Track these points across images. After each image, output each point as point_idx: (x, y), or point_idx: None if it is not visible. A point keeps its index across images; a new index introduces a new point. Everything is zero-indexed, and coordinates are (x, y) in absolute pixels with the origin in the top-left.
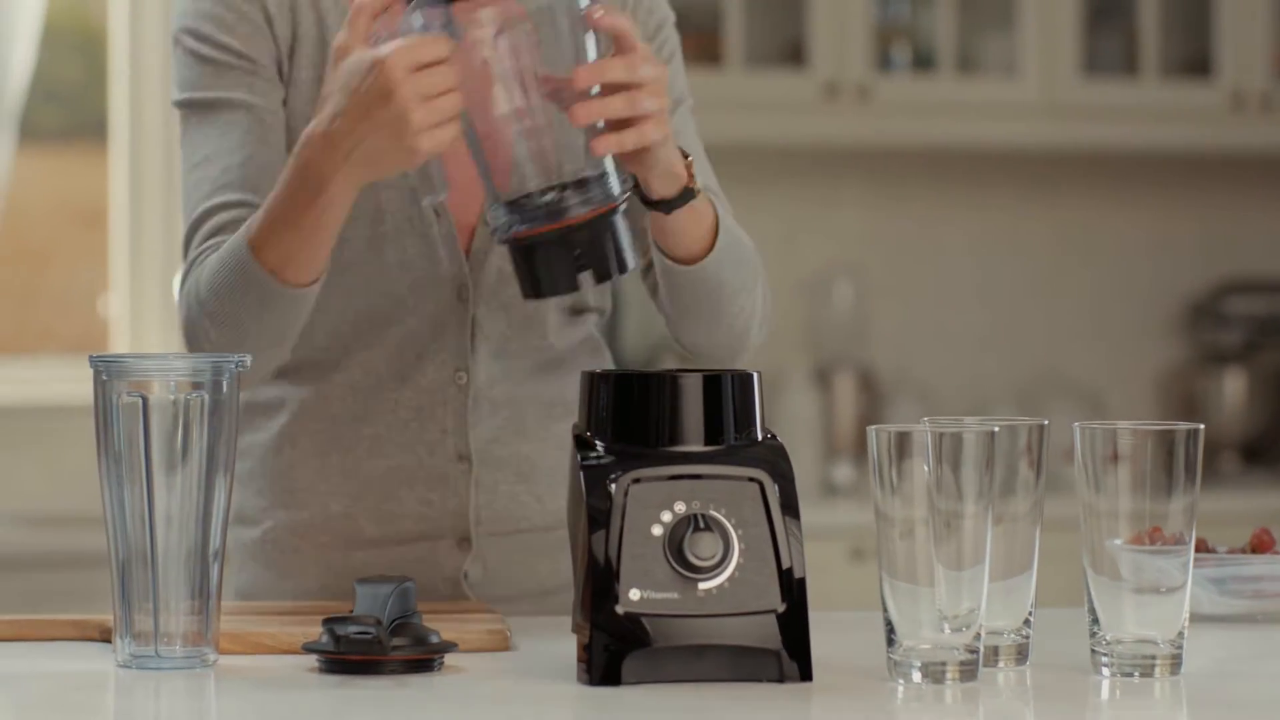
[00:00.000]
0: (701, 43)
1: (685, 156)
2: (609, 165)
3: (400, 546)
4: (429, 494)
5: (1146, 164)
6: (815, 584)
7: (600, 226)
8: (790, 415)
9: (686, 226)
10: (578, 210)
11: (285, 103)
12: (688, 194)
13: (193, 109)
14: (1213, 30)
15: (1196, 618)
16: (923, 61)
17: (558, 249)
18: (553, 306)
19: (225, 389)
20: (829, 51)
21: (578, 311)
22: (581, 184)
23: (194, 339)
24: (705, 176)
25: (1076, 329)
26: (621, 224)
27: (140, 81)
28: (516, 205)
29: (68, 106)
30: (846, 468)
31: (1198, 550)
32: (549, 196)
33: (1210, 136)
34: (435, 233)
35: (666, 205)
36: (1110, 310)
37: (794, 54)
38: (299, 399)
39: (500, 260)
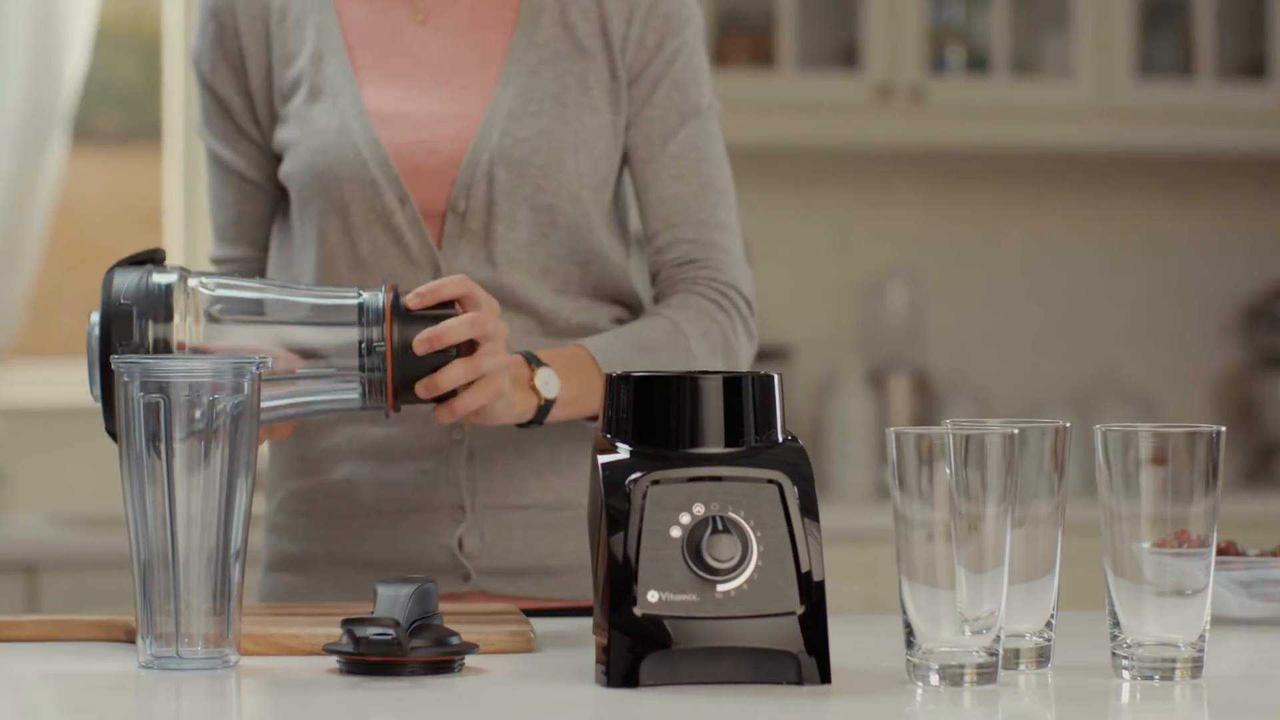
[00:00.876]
0: (755, 44)
1: (532, 364)
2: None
3: (400, 515)
4: (425, 463)
5: (1202, 166)
6: (867, 586)
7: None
8: (844, 418)
9: (569, 411)
10: (379, 344)
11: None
12: (544, 409)
13: (204, 145)
14: (1269, 31)
15: (1225, 621)
16: (977, 63)
17: None
18: (547, 290)
19: (246, 390)
20: (882, 53)
21: (600, 297)
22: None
23: None
24: (686, 214)
25: (1131, 331)
26: None
27: (194, 84)
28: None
29: (125, 108)
30: None
31: (1229, 553)
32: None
33: (1266, 138)
34: (399, 220)
35: (530, 425)
36: (1165, 312)
37: (847, 56)
38: None
39: (472, 246)
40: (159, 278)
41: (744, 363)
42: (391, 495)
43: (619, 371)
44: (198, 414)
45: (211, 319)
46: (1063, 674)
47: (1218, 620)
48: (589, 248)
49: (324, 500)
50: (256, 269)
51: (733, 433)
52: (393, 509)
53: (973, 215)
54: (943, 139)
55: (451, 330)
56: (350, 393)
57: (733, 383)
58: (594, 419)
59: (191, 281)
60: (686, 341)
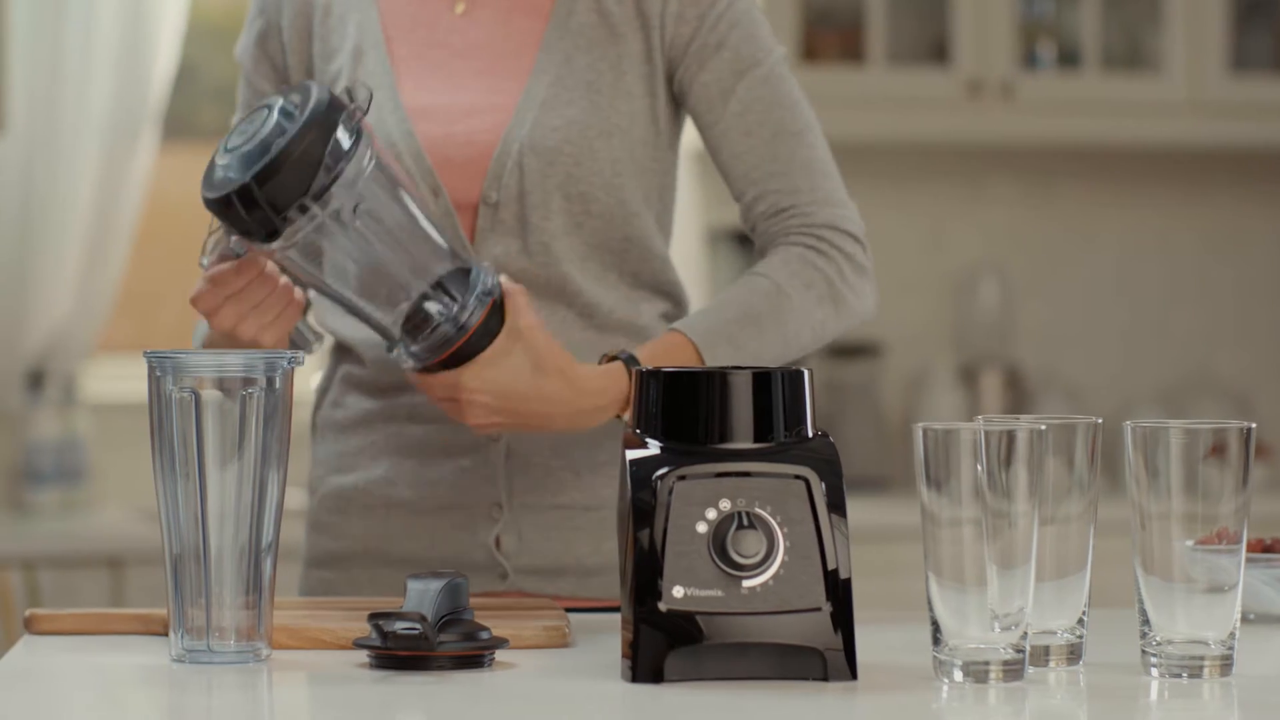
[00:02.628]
0: (845, 41)
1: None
2: (456, 248)
3: (438, 513)
4: (463, 462)
5: None
6: None
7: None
8: (935, 414)
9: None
10: (472, 318)
11: None
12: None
13: None
14: None
15: (1266, 619)
16: (1068, 59)
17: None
18: (588, 279)
19: (278, 384)
20: (972, 49)
21: (640, 286)
22: (449, 284)
23: None
24: (761, 167)
25: (1224, 329)
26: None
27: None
28: (416, 340)
29: (222, 104)
30: None
31: (1275, 551)
32: (438, 323)
33: None
34: (432, 213)
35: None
36: (1258, 310)
37: (937, 51)
38: (344, 372)
39: (505, 238)
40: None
41: (857, 303)
42: (430, 493)
43: (649, 367)
44: (230, 408)
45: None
46: (1092, 671)
47: (1261, 618)
48: (625, 235)
49: (362, 498)
50: None
51: (762, 428)
52: (430, 507)
53: (1064, 211)
54: (1034, 135)
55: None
56: (388, 316)
57: (762, 378)
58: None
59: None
60: (790, 300)
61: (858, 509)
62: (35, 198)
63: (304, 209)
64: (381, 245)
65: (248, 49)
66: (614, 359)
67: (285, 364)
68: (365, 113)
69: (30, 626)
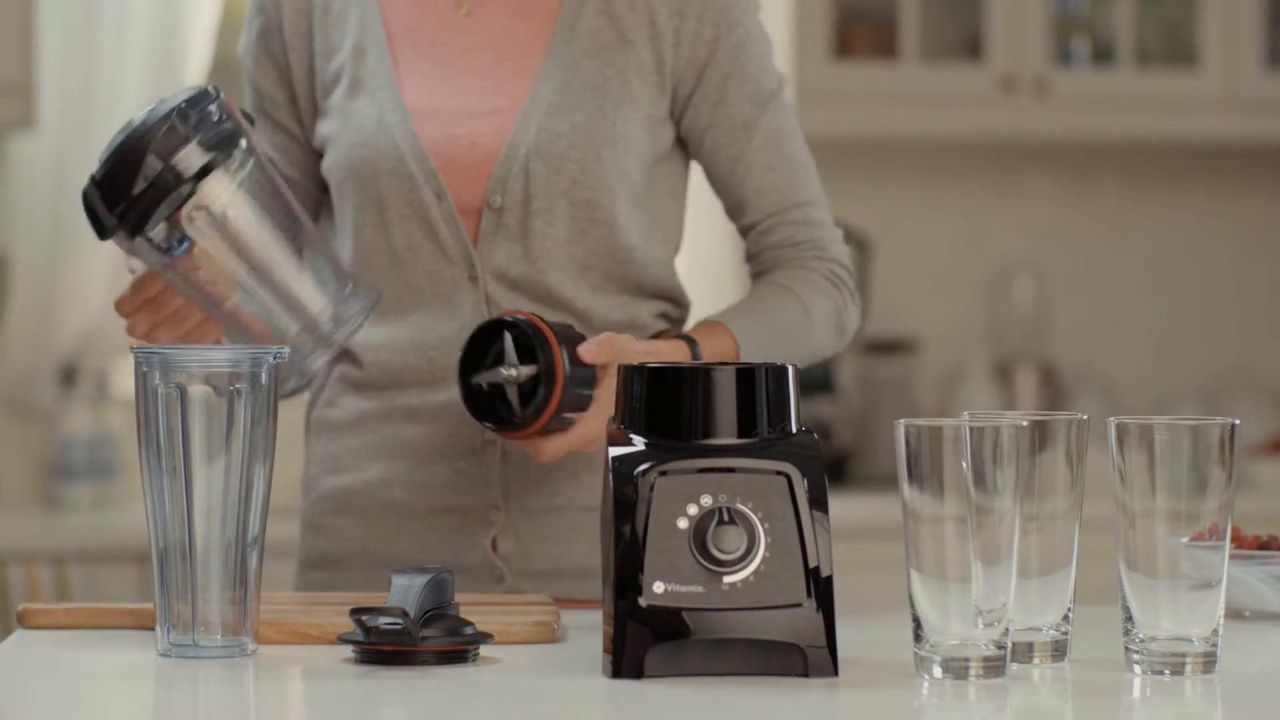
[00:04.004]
0: (878, 36)
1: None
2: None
3: (434, 515)
4: (460, 463)
5: None
6: None
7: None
8: (970, 410)
9: None
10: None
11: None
12: None
13: None
14: None
15: (1262, 616)
16: (1102, 55)
17: None
18: (585, 288)
19: (264, 380)
20: (1006, 45)
21: (641, 294)
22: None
23: None
24: (787, 192)
25: (1260, 324)
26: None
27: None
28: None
29: None
30: None
31: (1271, 548)
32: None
33: None
34: (434, 215)
35: None
36: None
37: (971, 48)
38: (339, 371)
39: (508, 242)
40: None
41: (851, 330)
42: (426, 496)
43: (633, 364)
44: (216, 404)
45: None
46: (1074, 668)
47: (1257, 615)
48: (628, 244)
49: (358, 500)
50: None
51: (746, 424)
52: (427, 509)
53: (1100, 208)
54: (1068, 131)
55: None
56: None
57: (745, 374)
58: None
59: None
60: (813, 323)
61: (892, 505)
62: (67, 194)
63: (129, 206)
64: (239, 262)
65: (249, 48)
66: (669, 335)
67: (272, 359)
68: (241, 121)
69: (23, 621)
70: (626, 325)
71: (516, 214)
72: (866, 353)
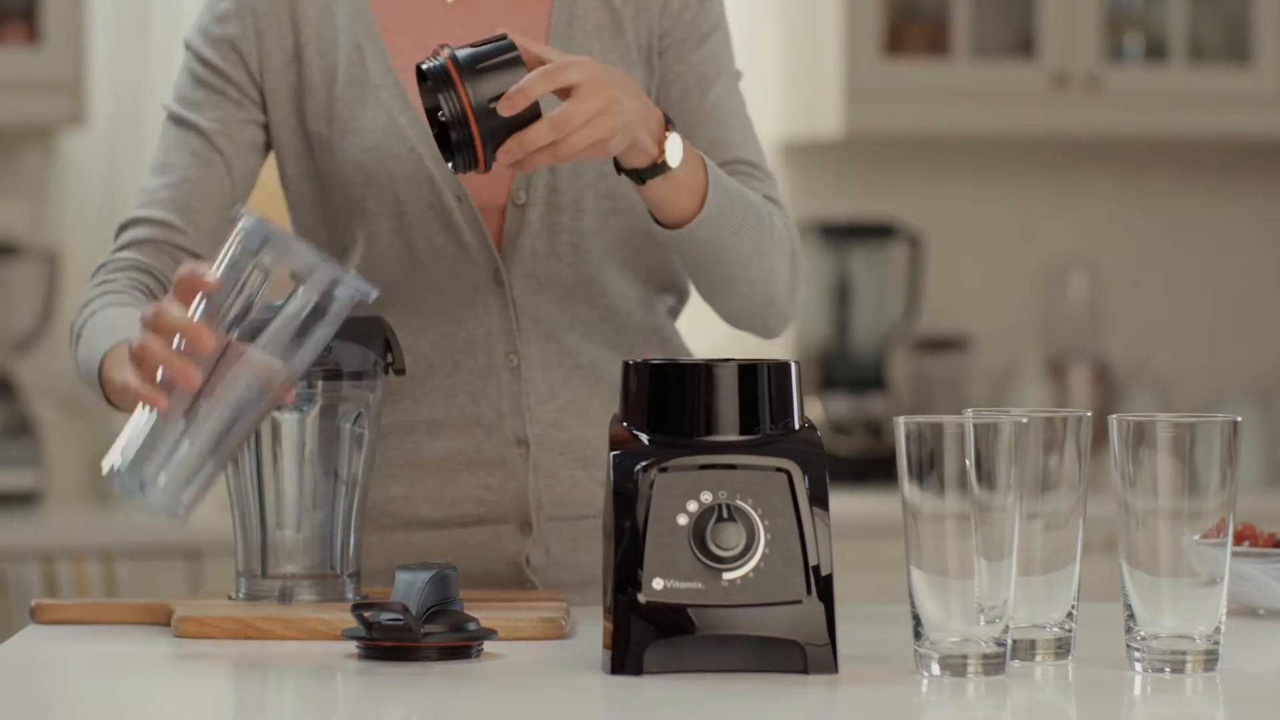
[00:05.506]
0: (930, 33)
1: (667, 126)
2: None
3: (462, 530)
4: (488, 478)
5: None
6: None
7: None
8: (1023, 407)
9: (665, 194)
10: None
11: (268, 120)
12: (657, 168)
13: (169, 119)
14: None
15: (1277, 614)
16: (1155, 51)
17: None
18: (612, 277)
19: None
20: (1058, 42)
21: (653, 285)
22: None
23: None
24: (740, 149)
25: None
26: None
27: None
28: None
29: None
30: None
31: (1274, 545)
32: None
33: None
34: (458, 219)
35: (637, 175)
36: None
37: (1023, 44)
38: None
39: (533, 240)
40: None
41: (799, 289)
42: (453, 511)
43: (634, 360)
44: None
45: None
46: (1077, 666)
47: (1271, 614)
48: (645, 229)
49: (381, 517)
50: (164, 239)
51: (748, 421)
52: (454, 524)
53: (1153, 205)
54: (1121, 128)
55: (532, 85)
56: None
57: (748, 370)
58: (675, 224)
59: None
60: (773, 226)
61: None
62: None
63: None
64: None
65: (209, 26)
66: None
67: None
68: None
69: (36, 616)
70: (646, 327)
71: (540, 209)
72: (919, 350)
